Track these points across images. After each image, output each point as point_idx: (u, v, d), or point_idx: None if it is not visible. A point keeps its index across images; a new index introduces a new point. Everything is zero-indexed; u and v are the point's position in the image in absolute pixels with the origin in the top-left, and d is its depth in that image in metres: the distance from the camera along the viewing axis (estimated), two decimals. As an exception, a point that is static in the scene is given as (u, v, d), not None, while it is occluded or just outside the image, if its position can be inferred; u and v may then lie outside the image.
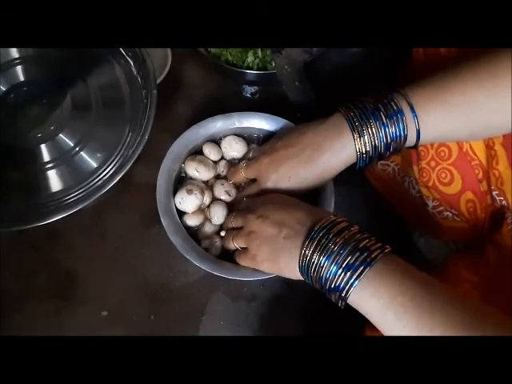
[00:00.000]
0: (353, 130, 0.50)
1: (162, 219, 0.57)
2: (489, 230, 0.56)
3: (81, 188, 0.65)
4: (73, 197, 0.65)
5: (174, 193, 0.61)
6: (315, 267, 0.44)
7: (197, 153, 0.65)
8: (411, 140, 0.50)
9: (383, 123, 0.49)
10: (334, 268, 0.42)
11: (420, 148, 0.57)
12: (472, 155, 0.54)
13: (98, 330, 0.64)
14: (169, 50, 0.80)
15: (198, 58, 0.81)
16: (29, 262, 0.68)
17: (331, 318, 0.59)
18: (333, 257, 0.42)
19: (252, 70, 0.78)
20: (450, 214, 0.59)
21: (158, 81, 0.74)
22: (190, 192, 0.59)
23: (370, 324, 0.42)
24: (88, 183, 0.66)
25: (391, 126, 0.49)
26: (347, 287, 0.41)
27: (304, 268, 0.45)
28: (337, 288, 0.42)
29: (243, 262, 0.54)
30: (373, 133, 0.49)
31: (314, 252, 0.44)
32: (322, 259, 0.43)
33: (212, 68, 0.82)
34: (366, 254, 0.41)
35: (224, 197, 0.62)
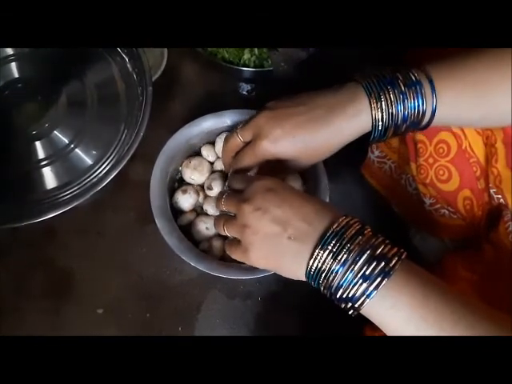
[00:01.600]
0: (370, 95, 0.46)
1: (156, 221, 0.57)
2: (485, 228, 0.56)
3: (76, 185, 0.65)
4: (68, 194, 0.65)
5: (172, 192, 0.61)
6: (326, 274, 0.40)
7: (192, 151, 0.65)
8: (426, 117, 0.47)
9: (402, 91, 0.46)
10: (348, 276, 0.38)
11: (419, 145, 0.56)
12: (470, 152, 0.54)
13: (93, 328, 0.64)
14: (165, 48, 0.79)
15: (195, 55, 0.81)
16: (24, 260, 0.68)
17: (328, 316, 0.59)
18: (347, 265, 0.38)
19: (248, 67, 0.78)
20: (447, 212, 0.59)
21: (154, 78, 0.73)
22: (184, 192, 0.61)
23: (369, 324, 0.40)
24: (83, 180, 0.66)
25: (410, 97, 0.46)
26: (363, 298, 0.38)
27: (313, 275, 0.41)
28: (351, 298, 0.39)
29: (234, 254, 0.49)
30: (391, 100, 0.46)
31: (326, 259, 0.40)
32: (336, 267, 0.39)
33: (208, 65, 0.81)
34: (383, 262, 0.38)
35: (208, 192, 0.62)
